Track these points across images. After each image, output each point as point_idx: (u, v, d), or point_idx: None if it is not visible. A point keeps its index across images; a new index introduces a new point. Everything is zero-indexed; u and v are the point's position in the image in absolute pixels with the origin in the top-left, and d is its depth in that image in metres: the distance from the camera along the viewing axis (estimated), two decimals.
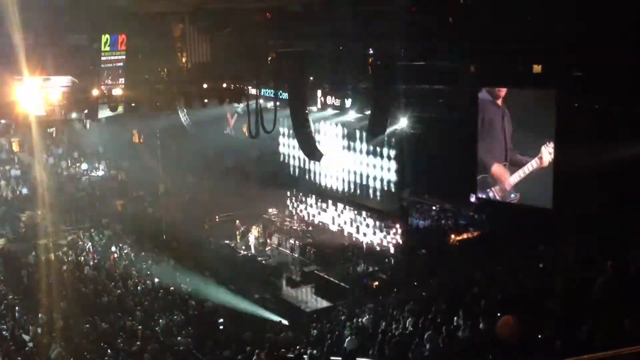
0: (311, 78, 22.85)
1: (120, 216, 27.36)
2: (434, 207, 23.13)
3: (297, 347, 14.80)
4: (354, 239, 24.27)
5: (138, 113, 26.16)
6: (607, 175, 14.75)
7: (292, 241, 24.46)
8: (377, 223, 23.83)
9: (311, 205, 27.50)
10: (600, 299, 9.91)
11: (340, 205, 25.85)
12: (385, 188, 23.45)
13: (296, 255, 23.89)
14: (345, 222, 25.35)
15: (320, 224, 26.44)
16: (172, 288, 19.86)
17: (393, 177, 22.97)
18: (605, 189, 15.09)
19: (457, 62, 19.27)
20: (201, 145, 29.70)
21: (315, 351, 14.09)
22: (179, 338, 16.12)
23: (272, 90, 23.66)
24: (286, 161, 29.04)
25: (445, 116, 19.33)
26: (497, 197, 18.36)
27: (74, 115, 24.93)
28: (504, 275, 14.97)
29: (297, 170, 28.48)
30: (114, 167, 30.92)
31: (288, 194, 28.67)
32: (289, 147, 28.52)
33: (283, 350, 14.35)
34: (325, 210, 26.62)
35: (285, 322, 17.75)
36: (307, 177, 27.91)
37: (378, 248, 23.06)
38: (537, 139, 16.90)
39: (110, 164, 30.84)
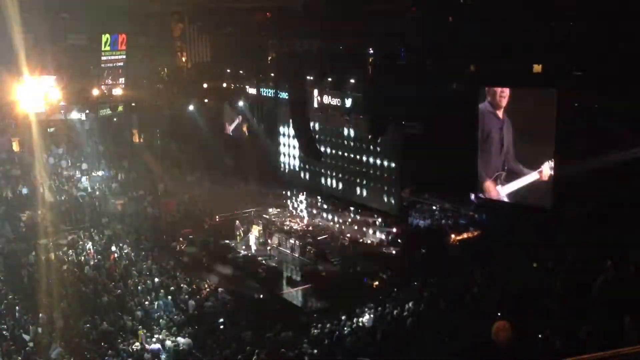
0: (311, 78, 22.85)
1: (121, 216, 27.35)
2: (434, 207, 23.13)
3: (297, 347, 14.81)
4: (354, 239, 24.26)
5: (138, 113, 26.17)
6: (607, 175, 14.75)
7: (292, 241, 24.44)
8: (378, 223, 23.83)
9: (311, 205, 27.51)
10: (600, 298, 9.92)
11: (340, 205, 25.86)
12: (386, 188, 23.46)
13: (296, 255, 23.87)
14: (345, 222, 25.35)
15: (321, 223, 26.44)
16: (172, 288, 19.87)
17: (393, 176, 22.97)
18: (605, 188, 15.09)
19: (457, 61, 19.27)
20: (201, 145, 29.70)
21: (315, 351, 14.09)
22: (179, 338, 16.12)
23: (272, 90, 23.71)
24: (286, 161, 29.04)
25: (445, 116, 19.31)
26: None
27: (74, 114, 24.89)
28: (504, 275, 14.97)
29: (297, 170, 28.48)
30: (114, 166, 30.90)
31: (288, 193, 28.67)
32: (289, 147, 28.52)
33: (283, 350, 14.37)
34: (325, 210, 26.63)
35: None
36: (307, 176, 27.92)
37: (378, 248, 23.06)
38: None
39: (110, 164, 30.82)
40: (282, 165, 29.44)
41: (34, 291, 19.11)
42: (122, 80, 25.93)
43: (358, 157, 24.57)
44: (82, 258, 22.20)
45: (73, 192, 28.40)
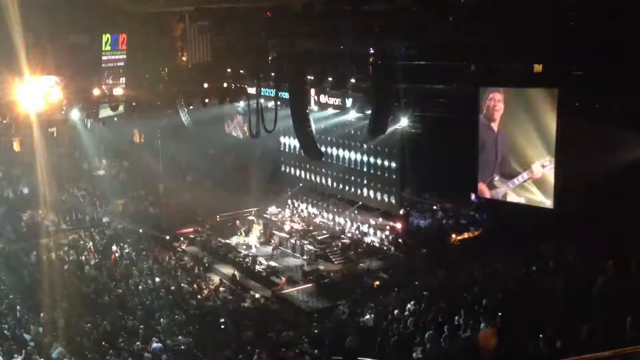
0: (311, 77, 22.83)
1: (121, 215, 27.37)
2: (434, 207, 23.15)
3: (298, 346, 14.82)
4: (355, 238, 24.27)
5: (139, 112, 26.15)
6: (608, 175, 14.75)
7: (293, 240, 24.47)
8: (378, 222, 23.84)
9: (312, 205, 27.53)
10: (601, 298, 9.93)
11: (341, 205, 25.87)
12: (386, 187, 23.46)
13: (297, 255, 23.90)
14: (346, 222, 25.37)
15: (321, 223, 26.45)
16: (173, 287, 19.89)
17: (394, 176, 22.98)
18: (606, 188, 15.09)
19: (458, 61, 19.25)
20: (202, 144, 29.70)
21: (316, 351, 14.10)
22: (180, 337, 16.13)
23: (272, 90, 23.66)
24: (287, 161, 29.04)
25: (445, 116, 19.31)
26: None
27: (74, 114, 24.89)
28: (505, 275, 14.98)
29: (298, 170, 28.48)
30: (114, 166, 30.91)
31: (289, 193, 28.69)
32: (289, 147, 28.53)
33: (284, 349, 14.37)
34: (326, 210, 26.64)
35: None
36: (308, 176, 27.93)
37: (379, 247, 23.07)
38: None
39: (111, 164, 30.83)
40: (283, 164, 29.43)
41: (34, 291, 19.13)
42: (122, 80, 25.90)
43: (359, 156, 24.57)
44: (83, 258, 22.23)
45: (74, 192, 28.43)
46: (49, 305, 17.40)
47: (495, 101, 17.77)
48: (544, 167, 16.78)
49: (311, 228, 26.07)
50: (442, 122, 19.32)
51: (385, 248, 22.93)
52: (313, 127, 20.69)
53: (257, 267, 22.88)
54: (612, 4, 14.85)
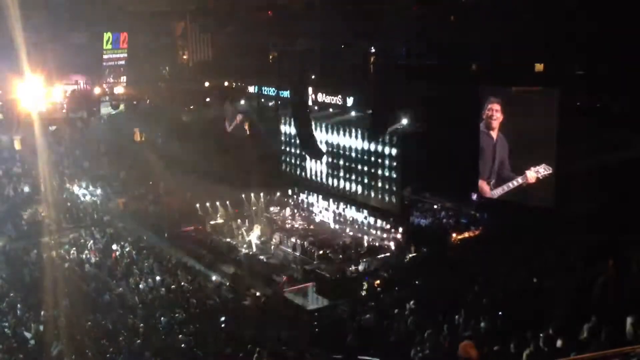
0: (312, 77, 22.87)
1: (122, 214, 27.37)
2: (435, 206, 23.14)
3: (299, 345, 14.82)
4: (355, 238, 24.27)
5: (140, 111, 26.19)
6: (609, 174, 14.76)
7: (293, 240, 24.45)
8: (379, 221, 23.84)
9: (313, 204, 27.53)
10: (602, 297, 9.93)
11: (341, 204, 25.87)
12: (387, 186, 23.46)
13: (298, 254, 23.88)
14: (346, 221, 25.36)
15: (322, 222, 26.45)
16: (173, 286, 19.89)
17: (394, 175, 22.97)
18: (607, 187, 15.09)
19: (459, 60, 19.27)
20: (203, 143, 29.71)
21: (316, 350, 14.10)
22: (180, 336, 16.13)
23: (273, 89, 23.71)
24: (288, 160, 29.04)
25: (446, 115, 19.32)
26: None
27: (75, 112, 24.95)
28: (505, 274, 14.98)
29: (298, 169, 28.49)
30: (115, 165, 30.94)
31: (290, 192, 28.68)
32: (290, 145, 28.53)
33: (284, 348, 14.38)
34: (326, 209, 26.64)
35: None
36: (308, 175, 27.93)
37: (379, 246, 23.07)
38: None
39: (111, 162, 30.85)
40: (284, 163, 29.43)
41: (35, 289, 19.14)
42: (123, 78, 25.97)
43: (359, 155, 24.57)
44: (84, 256, 22.24)
45: (75, 191, 28.45)
46: (49, 303, 17.41)
47: (494, 111, 18.20)
48: (538, 173, 17.23)
49: (311, 227, 26.06)
50: (442, 121, 19.33)
51: (385, 247, 22.92)
52: (314, 126, 20.72)
53: (258, 266, 22.87)
54: (613, 5, 14.86)
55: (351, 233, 24.74)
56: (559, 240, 15.14)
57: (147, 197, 29.25)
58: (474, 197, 20.55)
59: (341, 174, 25.82)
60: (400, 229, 22.74)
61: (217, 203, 27.18)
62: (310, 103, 23.74)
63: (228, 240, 25.43)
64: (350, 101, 22.49)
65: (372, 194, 24.30)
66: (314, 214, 27.16)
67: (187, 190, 29.34)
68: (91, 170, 29.94)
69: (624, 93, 14.74)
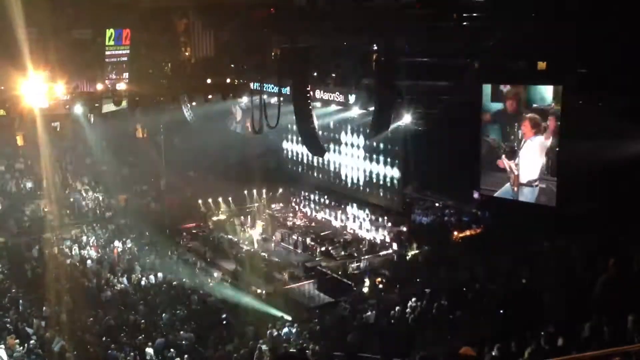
0: (315, 74, 22.83)
1: (124, 210, 27.41)
2: (437, 204, 23.13)
3: (300, 342, 14.86)
4: (357, 235, 24.28)
5: (142, 108, 26.16)
6: (611, 173, 14.74)
7: (295, 237, 24.48)
8: (380, 219, 23.83)
9: (314, 201, 27.53)
10: (603, 296, 9.93)
11: (343, 201, 25.87)
12: (389, 184, 23.45)
13: (299, 251, 23.91)
14: (348, 218, 25.37)
15: (323, 219, 26.47)
16: (174, 283, 19.93)
17: (396, 173, 22.96)
18: (609, 186, 15.08)
19: (461, 58, 19.24)
20: (204, 140, 29.70)
21: (317, 346, 14.13)
22: (181, 332, 16.18)
23: (275, 86, 23.64)
24: (289, 157, 29.04)
25: (448, 113, 19.30)
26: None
27: (77, 109, 24.91)
28: (506, 272, 14.99)
29: (300, 166, 28.49)
30: (117, 161, 30.94)
31: (291, 189, 28.69)
32: (292, 143, 28.52)
33: (285, 345, 14.42)
34: (328, 206, 26.65)
35: (288, 317, 17.77)
36: (310, 172, 27.93)
37: (381, 244, 23.08)
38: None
39: (113, 159, 30.86)
40: (285, 161, 29.42)
41: (37, 285, 19.21)
42: (126, 75, 25.94)
43: (361, 152, 24.56)
44: (86, 252, 22.30)
45: (77, 187, 28.49)
46: (51, 299, 17.47)
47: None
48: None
49: (313, 224, 26.08)
50: (445, 119, 19.31)
51: (387, 245, 22.92)
52: (316, 123, 20.66)
53: (259, 263, 22.90)
54: (615, 3, 14.83)
55: (352, 230, 24.76)
56: (561, 239, 15.14)
57: (149, 194, 29.29)
58: (476, 195, 20.53)
59: (343, 170, 25.82)
60: (402, 227, 22.74)
61: (219, 199, 27.24)
62: (312, 100, 23.70)
63: (229, 237, 25.46)
64: (352, 98, 22.45)
65: (374, 191, 24.29)
66: (315, 211, 27.17)
67: (189, 186, 29.39)
68: (93, 167, 29.97)
69: (626, 91, 14.71)
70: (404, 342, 12.74)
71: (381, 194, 23.95)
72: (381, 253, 22.52)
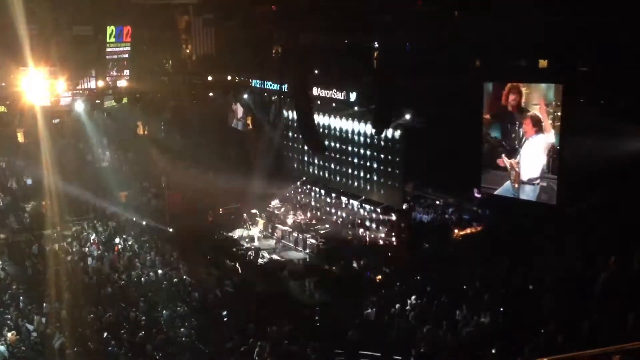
0: (316, 71, 22.86)
1: (125, 207, 27.38)
2: (437, 202, 23.13)
3: (300, 339, 14.84)
4: (357, 233, 24.28)
5: (143, 104, 26.18)
6: (612, 171, 14.74)
7: (295, 234, 24.48)
8: (381, 217, 23.83)
9: (315, 199, 27.53)
10: (603, 294, 9.94)
11: (344, 199, 25.87)
12: (390, 182, 23.45)
13: (300, 249, 23.92)
14: (349, 216, 25.37)
15: (324, 217, 26.46)
16: (175, 280, 19.92)
17: (397, 171, 22.96)
18: (610, 184, 15.08)
19: (463, 56, 19.24)
20: (205, 137, 29.71)
21: (318, 344, 14.13)
22: (182, 329, 16.18)
23: (276, 83, 23.67)
24: (290, 154, 29.04)
25: (449, 111, 19.30)
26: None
27: (78, 106, 24.92)
28: (507, 270, 14.98)
29: (301, 164, 28.49)
30: (118, 158, 30.95)
31: (292, 187, 28.69)
32: (293, 140, 28.52)
33: (286, 342, 14.41)
34: (328, 204, 26.64)
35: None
36: (311, 170, 27.93)
37: (381, 242, 23.07)
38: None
39: (114, 155, 30.86)
40: (286, 158, 29.43)
41: (38, 281, 19.21)
42: (126, 72, 25.93)
43: (362, 150, 24.57)
44: (86, 249, 22.28)
45: (77, 184, 28.42)
46: (52, 296, 17.48)
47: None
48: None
49: (314, 222, 26.08)
50: (445, 117, 19.31)
51: (387, 242, 22.92)
52: (317, 121, 20.70)
53: (260, 260, 22.91)
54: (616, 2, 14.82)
55: (353, 228, 24.75)
56: (561, 237, 15.13)
57: (149, 190, 29.27)
58: (476, 193, 20.53)
59: (344, 168, 25.82)
60: (403, 225, 22.74)
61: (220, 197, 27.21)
62: (312, 98, 23.71)
63: (230, 234, 25.47)
64: (353, 96, 22.46)
65: (375, 189, 24.29)
66: (316, 209, 27.17)
67: (190, 183, 29.38)
68: (94, 163, 29.95)
69: (627, 90, 14.71)
70: (404, 339, 12.75)
71: (382, 191, 23.96)
72: (381, 250, 22.51)
